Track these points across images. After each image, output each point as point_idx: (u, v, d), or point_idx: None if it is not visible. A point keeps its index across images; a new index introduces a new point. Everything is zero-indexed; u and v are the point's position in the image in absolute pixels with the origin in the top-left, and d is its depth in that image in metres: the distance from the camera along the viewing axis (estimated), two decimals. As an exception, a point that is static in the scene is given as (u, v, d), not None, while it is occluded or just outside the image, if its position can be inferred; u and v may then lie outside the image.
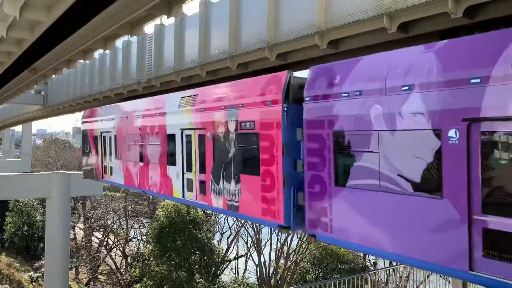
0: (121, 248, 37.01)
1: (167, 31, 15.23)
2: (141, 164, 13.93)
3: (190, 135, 11.29)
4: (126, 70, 17.78)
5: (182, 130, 11.58)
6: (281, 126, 8.25)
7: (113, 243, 38.26)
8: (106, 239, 39.18)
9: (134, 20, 12.53)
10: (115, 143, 15.85)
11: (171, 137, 12.11)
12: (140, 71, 16.44)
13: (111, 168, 16.64)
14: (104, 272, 37.28)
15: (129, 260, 35.84)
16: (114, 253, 37.17)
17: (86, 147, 19.30)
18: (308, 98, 7.79)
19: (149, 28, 15.26)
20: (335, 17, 8.75)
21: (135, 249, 37.38)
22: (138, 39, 16.53)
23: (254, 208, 8.99)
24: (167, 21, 15.18)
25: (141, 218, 40.25)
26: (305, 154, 7.89)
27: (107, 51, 18.61)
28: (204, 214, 29.71)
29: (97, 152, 17.68)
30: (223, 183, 9.99)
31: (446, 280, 12.39)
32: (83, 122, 19.60)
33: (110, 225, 39.29)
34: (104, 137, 16.91)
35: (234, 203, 9.63)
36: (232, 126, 9.62)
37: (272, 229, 28.93)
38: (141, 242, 37.56)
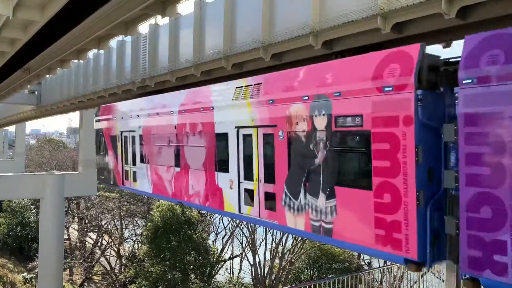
0: (115, 249, 36.87)
1: (161, 31, 15.20)
2: (177, 169, 11.95)
3: (251, 135, 9.31)
4: (121, 70, 17.71)
5: (238, 128, 9.63)
6: (414, 122, 6.02)
7: (108, 243, 38.11)
8: (100, 239, 39.02)
9: (128, 20, 12.49)
10: (141, 144, 13.90)
11: (221, 137, 10.21)
12: (135, 71, 16.39)
13: (134, 173, 14.50)
14: (98, 272, 37.13)
15: (123, 261, 35.71)
16: (108, 254, 37.04)
17: (101, 148, 17.09)
18: (469, 81, 5.55)
19: (143, 28, 15.23)
20: (329, 18, 8.77)
21: (130, 250, 37.26)
22: (133, 39, 16.47)
23: (361, 233, 6.81)
24: (162, 21, 15.15)
25: (136, 219, 40.14)
26: (463, 161, 5.59)
27: (101, 51, 18.54)
28: (199, 214, 29.67)
29: (115, 154, 15.55)
30: (305, 197, 7.84)
31: (440, 279, 12.44)
32: (98, 120, 17.42)
33: (105, 226, 39.13)
34: (125, 137, 14.87)
35: (325, 225, 7.45)
36: (321, 123, 7.49)
37: (267, 228, 28.94)
38: (136, 242, 37.45)
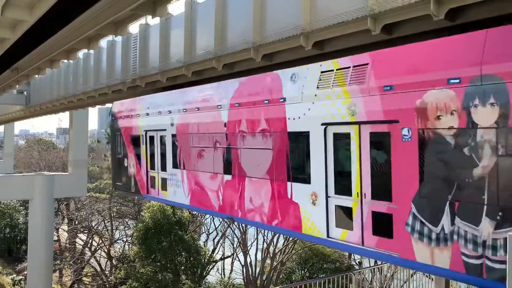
0: (106, 250, 36.61)
1: (152, 31, 15.14)
2: (228, 177, 10.06)
3: (348, 134, 7.33)
4: (111, 70, 17.61)
5: (327, 125, 7.74)
6: None
7: (98, 244, 37.83)
8: (90, 240, 38.72)
9: (118, 20, 12.42)
10: (174, 145, 12.02)
11: (297, 137, 8.35)
12: (125, 71, 16.30)
13: (163, 181, 12.52)
14: (88, 274, 36.84)
15: (114, 262, 35.48)
16: (98, 255, 36.76)
17: (118, 150, 14.93)
18: None
19: (134, 28, 15.18)
20: (320, 19, 8.80)
21: (120, 251, 37.03)
22: (123, 39, 16.39)
23: None
24: (152, 21, 15.10)
25: (126, 219, 39.90)
26: None
27: (91, 51, 18.41)
28: (190, 215, 29.59)
29: (138, 158, 13.53)
30: (452, 222, 5.73)
31: (429, 278, 12.55)
32: (114, 118, 15.31)
33: (95, 227, 38.84)
34: (152, 137, 12.96)
35: (492, 265, 5.38)
36: (487, 116, 5.41)
37: (258, 229, 28.96)
38: (126, 243, 37.22)
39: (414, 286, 13.67)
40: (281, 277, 27.78)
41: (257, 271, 30.31)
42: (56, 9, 10.38)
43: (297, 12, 9.41)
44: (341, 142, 7.53)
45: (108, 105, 23.06)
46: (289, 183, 8.36)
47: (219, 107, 10.35)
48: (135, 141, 13.82)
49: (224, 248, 34.53)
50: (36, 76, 22.48)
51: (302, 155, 8.27)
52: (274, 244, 30.31)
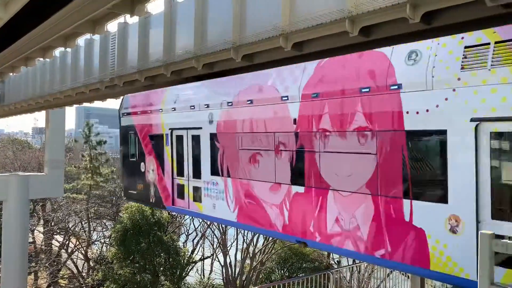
0: (83, 252, 36.02)
1: (131, 30, 14.97)
2: (299, 189, 7.97)
3: None
4: (88, 69, 17.33)
5: (479, 121, 5.71)
6: None
7: (75, 246, 37.19)
8: (67, 242, 38.03)
9: (95, 19, 12.24)
10: (214, 147, 10.05)
11: (423, 139, 6.44)
12: (103, 70, 16.06)
13: (197, 190, 10.48)
14: (65, 276, 36.17)
15: (91, 264, 34.94)
16: (75, 257, 36.15)
17: (132, 153, 12.84)
18: None
19: (112, 26, 14.98)
20: (299, 20, 8.87)
21: (98, 252, 36.50)
22: (101, 37, 16.16)
23: None
24: (132, 19, 14.92)
25: (104, 221, 39.36)
26: None
27: (68, 49, 18.10)
28: (169, 216, 29.39)
29: (160, 162, 11.57)
30: None
31: (406, 276, 12.78)
32: (126, 114, 13.33)
33: (72, 228, 38.18)
34: (180, 137, 11.10)
35: None
36: None
37: (238, 229, 28.94)
38: (104, 244, 36.72)
39: (390, 285, 13.89)
40: (260, 277, 27.85)
41: (236, 271, 30.32)
42: (31, 6, 10.17)
43: (277, 13, 9.45)
44: (507, 144, 5.55)
45: (86, 104, 22.70)
46: (406, 201, 6.28)
47: (285, 99, 8.29)
48: (156, 141, 11.71)
49: (203, 248, 34.44)
50: (11, 74, 21.97)
51: (432, 163, 6.24)
52: (254, 244, 30.37)
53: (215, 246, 33.29)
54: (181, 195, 11.02)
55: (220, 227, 30.93)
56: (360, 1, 7.67)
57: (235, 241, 31.71)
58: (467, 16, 6.85)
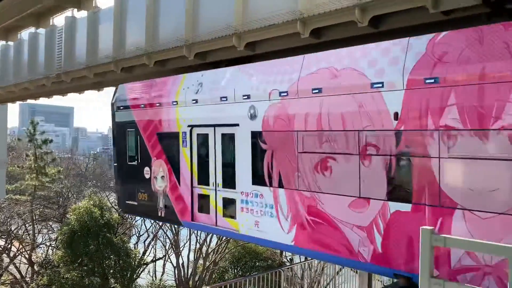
0: (26, 255, 34.36)
1: (79, 24, 14.45)
2: (402, 208, 6.09)
3: None
4: (33, 64, 16.56)
5: None
6: None
7: (18, 250, 35.41)
8: (9, 246, 36.14)
9: (40, 11, 11.72)
10: (258, 149, 7.89)
11: None
12: (49, 65, 15.40)
13: (230, 203, 8.49)
14: (6, 282, 34.36)
15: (36, 268, 33.41)
16: (18, 261, 34.43)
17: (131, 154, 10.56)
18: None
19: (59, 20, 14.40)
20: (252, 20, 8.93)
21: (43, 256, 34.96)
22: (47, 31, 15.49)
23: None
24: (80, 13, 14.41)
25: (50, 223, 37.76)
26: None
27: (10, 43, 17.20)
28: (120, 217, 28.67)
29: (175, 166, 9.45)
30: None
31: (355, 272, 13.17)
32: (122, 107, 10.86)
33: (14, 231, 36.32)
34: (204, 136, 8.91)
35: None
36: None
37: (191, 230, 28.70)
38: (50, 248, 35.24)
39: (341, 280, 14.28)
40: (214, 276, 27.76)
41: (189, 272, 30.07)
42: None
43: (230, 13, 9.47)
44: None
45: (31, 101, 21.65)
46: None
47: (378, 86, 6.26)
48: (168, 141, 9.63)
49: (155, 249, 33.91)
50: None
51: None
52: (207, 244, 30.25)
53: (167, 247, 32.86)
54: (204, 208, 8.96)
55: (173, 228, 30.54)
56: (311, 3, 7.84)
57: (188, 241, 31.45)
58: (412, 21, 7.17)
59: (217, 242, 29.87)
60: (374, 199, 6.35)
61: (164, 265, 33.31)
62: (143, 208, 10.36)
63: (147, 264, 31.54)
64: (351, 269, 13.10)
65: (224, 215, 8.63)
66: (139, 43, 11.68)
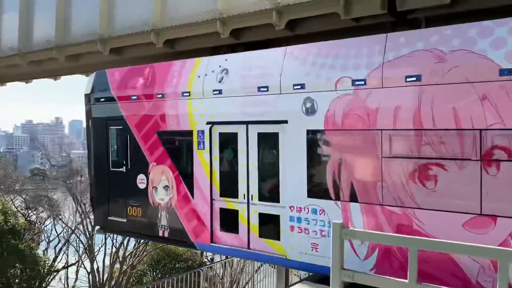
0: None
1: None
2: None
3: None
4: None
5: None
6: None
7: None
8: None
9: None
10: (317, 153, 6.42)
11: None
12: None
13: (268, 220, 6.95)
14: None
15: None
16: None
17: (115, 158, 8.74)
18: None
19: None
20: (171, 17, 8.81)
21: None
22: None
23: None
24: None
25: None
26: None
27: None
28: (26, 222, 26.65)
29: (184, 174, 7.79)
30: None
31: (274, 268, 13.53)
32: (101, 100, 8.91)
33: None
34: (231, 137, 7.29)
35: None
36: None
37: (107, 234, 27.52)
38: None
39: (260, 277, 14.56)
40: (131, 281, 26.85)
41: (105, 277, 28.79)
42: None
43: (147, 9, 9.25)
44: None
45: None
46: None
47: (510, 74, 4.98)
48: (175, 142, 7.97)
49: (67, 255, 32.03)
50: None
51: None
52: (124, 247, 29.19)
53: (80, 252, 31.14)
54: (230, 226, 7.35)
55: (87, 232, 29.00)
56: (231, 4, 7.91)
57: (104, 245, 30.09)
58: (326, 26, 7.53)
59: (134, 245, 28.96)
60: (504, 216, 5.00)
61: (77, 271, 31.58)
62: (135, 225, 8.52)
63: (58, 271, 29.69)
64: (270, 265, 13.41)
65: (262, 236, 6.98)
66: (49, 36, 11.02)
